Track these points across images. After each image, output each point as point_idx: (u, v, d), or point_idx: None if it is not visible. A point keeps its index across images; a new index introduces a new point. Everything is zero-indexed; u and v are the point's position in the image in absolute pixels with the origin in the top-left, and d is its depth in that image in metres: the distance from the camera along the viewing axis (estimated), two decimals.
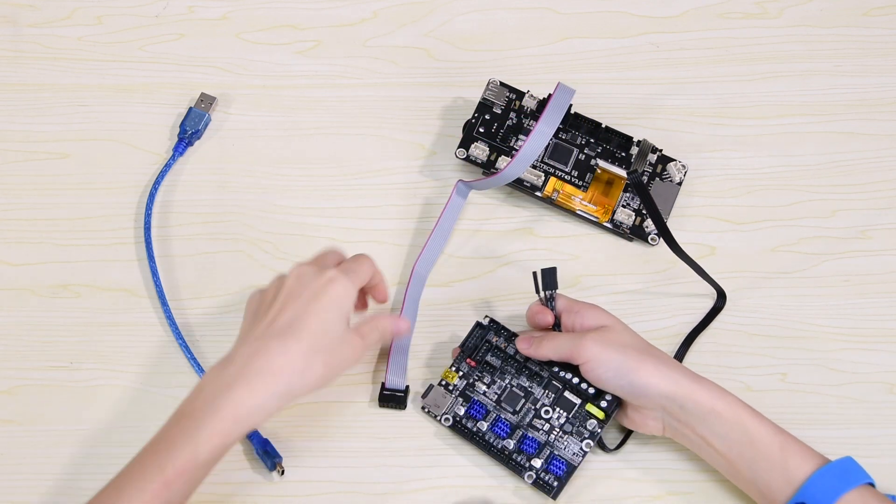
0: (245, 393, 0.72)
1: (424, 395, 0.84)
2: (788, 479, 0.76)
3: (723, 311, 0.88)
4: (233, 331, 0.87)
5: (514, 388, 0.84)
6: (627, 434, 0.84)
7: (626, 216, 0.90)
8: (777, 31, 0.99)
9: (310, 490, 0.83)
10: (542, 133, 0.87)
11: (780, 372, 0.87)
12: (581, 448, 0.82)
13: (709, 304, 0.88)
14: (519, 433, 0.83)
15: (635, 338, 0.82)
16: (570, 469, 0.81)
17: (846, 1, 0.99)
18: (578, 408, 0.83)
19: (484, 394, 0.84)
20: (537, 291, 0.83)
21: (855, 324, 0.89)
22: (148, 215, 0.91)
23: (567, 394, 0.83)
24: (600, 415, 0.82)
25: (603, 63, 0.98)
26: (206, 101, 0.95)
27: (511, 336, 0.85)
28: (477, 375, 0.84)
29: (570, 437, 0.82)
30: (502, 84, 0.93)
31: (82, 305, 0.89)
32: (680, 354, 0.87)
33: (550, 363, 0.84)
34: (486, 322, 0.86)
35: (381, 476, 0.84)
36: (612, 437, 0.85)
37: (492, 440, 0.82)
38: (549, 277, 0.83)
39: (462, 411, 0.83)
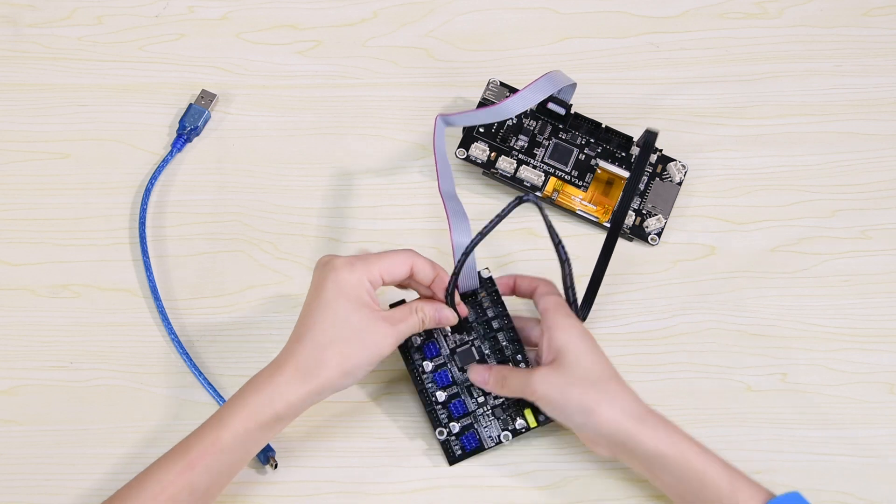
0: (263, 387, 0.76)
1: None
2: None
3: (723, 312, 0.88)
4: (232, 330, 0.88)
5: (472, 349, 0.84)
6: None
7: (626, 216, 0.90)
8: (777, 31, 0.99)
9: (309, 490, 0.83)
10: (525, 98, 0.86)
11: (781, 372, 0.87)
12: (499, 436, 0.82)
13: (710, 307, 0.89)
14: (454, 390, 0.83)
15: (593, 364, 0.78)
16: (480, 448, 0.82)
17: (846, 1, 0.99)
18: (518, 401, 0.83)
19: (445, 337, 0.84)
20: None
21: (855, 324, 0.89)
22: (143, 211, 0.91)
23: None
24: (532, 423, 0.82)
25: (603, 63, 0.98)
26: (206, 98, 0.94)
27: (497, 300, 0.84)
28: None
29: (496, 421, 0.83)
30: (502, 84, 0.93)
31: (82, 305, 0.89)
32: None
33: (519, 342, 0.83)
34: (485, 275, 0.85)
35: (381, 476, 0.84)
36: None
37: (428, 383, 0.83)
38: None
39: (418, 342, 0.83)
